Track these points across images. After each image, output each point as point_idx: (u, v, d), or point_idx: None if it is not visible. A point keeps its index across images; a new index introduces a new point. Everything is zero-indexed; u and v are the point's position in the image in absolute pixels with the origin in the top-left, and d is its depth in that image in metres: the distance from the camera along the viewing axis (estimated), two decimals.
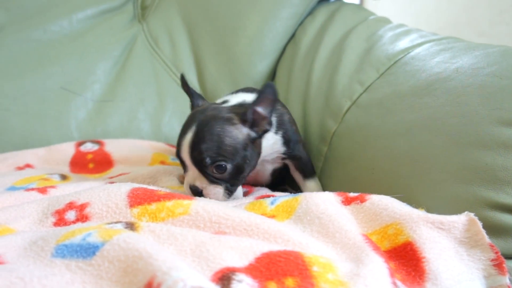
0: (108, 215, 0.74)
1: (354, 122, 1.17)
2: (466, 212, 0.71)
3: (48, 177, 1.12)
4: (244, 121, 0.96)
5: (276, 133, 1.07)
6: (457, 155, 0.89)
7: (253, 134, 0.97)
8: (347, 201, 0.79)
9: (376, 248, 0.66)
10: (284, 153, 1.10)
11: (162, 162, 1.32)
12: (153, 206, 0.73)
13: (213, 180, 0.95)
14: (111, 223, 0.68)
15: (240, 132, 0.95)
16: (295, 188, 1.20)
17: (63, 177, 1.15)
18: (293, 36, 1.58)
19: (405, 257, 0.67)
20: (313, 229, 0.72)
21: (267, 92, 0.96)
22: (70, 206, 0.76)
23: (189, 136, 0.94)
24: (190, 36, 1.59)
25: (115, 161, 1.32)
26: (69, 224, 0.74)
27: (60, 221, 0.75)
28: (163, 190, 0.80)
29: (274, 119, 1.04)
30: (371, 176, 1.03)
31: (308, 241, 0.66)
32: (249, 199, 0.91)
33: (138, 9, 1.65)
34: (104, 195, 0.76)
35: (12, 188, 1.00)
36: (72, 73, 1.43)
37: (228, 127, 0.94)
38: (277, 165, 1.15)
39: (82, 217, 0.75)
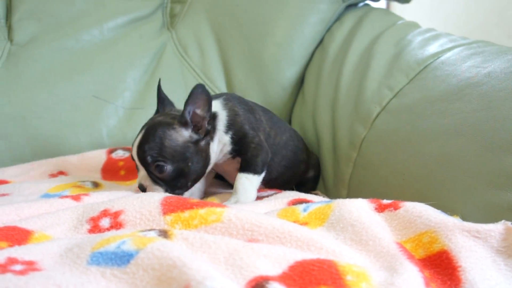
0: (142, 223, 0.75)
1: (383, 127, 1.16)
2: (503, 221, 0.70)
3: (81, 184, 1.14)
4: (184, 125, 1.02)
5: (226, 133, 1.10)
6: (491, 161, 0.87)
7: (195, 136, 1.03)
8: (380, 208, 0.79)
9: (410, 256, 0.65)
10: (231, 152, 1.11)
11: None
12: (186, 214, 0.73)
13: (155, 180, 1.02)
14: (145, 230, 0.68)
15: (180, 135, 1.02)
16: (328, 194, 1.20)
17: (95, 184, 1.17)
18: (321, 42, 1.58)
19: (441, 266, 0.66)
20: (346, 237, 0.71)
21: (198, 93, 1.01)
22: (105, 213, 0.77)
23: (138, 139, 1.03)
24: (219, 43, 1.60)
25: None
26: (103, 231, 0.75)
27: (95, 228, 0.76)
28: (195, 199, 0.80)
29: (225, 120, 1.09)
30: (402, 182, 1.03)
31: (341, 249, 0.65)
32: (281, 205, 0.91)
33: (167, 17, 1.66)
34: (137, 203, 0.77)
35: (47, 196, 1.02)
36: (103, 81, 1.45)
37: (168, 131, 1.01)
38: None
39: (116, 225, 0.75)
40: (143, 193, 0.82)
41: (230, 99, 1.15)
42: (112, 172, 1.27)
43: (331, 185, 1.31)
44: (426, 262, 0.67)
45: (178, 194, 1.02)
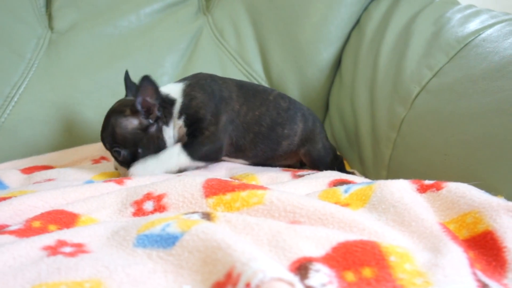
0: (185, 205, 0.76)
1: (424, 107, 1.14)
2: None
3: None
4: (135, 113, 1.10)
5: (179, 118, 1.16)
6: None
7: (145, 122, 1.11)
8: (423, 189, 0.78)
9: (454, 237, 0.64)
10: (187, 134, 1.16)
11: None
12: (228, 196, 0.74)
13: (120, 163, 1.14)
14: (188, 213, 0.69)
15: (130, 123, 1.11)
16: (367, 176, 1.19)
17: None
18: (358, 22, 1.57)
19: (485, 247, 0.65)
20: (388, 218, 0.71)
21: (145, 84, 1.08)
22: (148, 196, 0.79)
23: (102, 124, 1.13)
24: (255, 26, 1.60)
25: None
26: (147, 214, 0.76)
27: (139, 211, 0.77)
28: (236, 181, 0.81)
29: (179, 106, 1.15)
30: (444, 162, 1.01)
31: (384, 230, 0.65)
32: (322, 186, 0.91)
33: (203, 1, 1.67)
34: (180, 186, 0.78)
35: (90, 181, 1.04)
36: (142, 66, 1.47)
37: (119, 119, 1.10)
38: None
39: (160, 208, 0.77)
40: (185, 176, 0.83)
41: (193, 84, 1.19)
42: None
43: (370, 166, 1.30)
44: (470, 243, 0.66)
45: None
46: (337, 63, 1.57)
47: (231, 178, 1.06)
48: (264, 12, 1.59)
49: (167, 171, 1.11)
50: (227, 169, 1.17)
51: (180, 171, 1.12)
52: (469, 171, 0.95)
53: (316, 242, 0.59)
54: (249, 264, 0.50)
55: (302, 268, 0.55)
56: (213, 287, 0.52)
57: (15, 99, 1.40)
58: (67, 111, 1.41)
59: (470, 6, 1.33)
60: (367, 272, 0.54)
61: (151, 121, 1.11)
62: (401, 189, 0.76)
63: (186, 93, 1.16)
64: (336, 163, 1.30)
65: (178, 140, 1.17)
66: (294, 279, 0.48)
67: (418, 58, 1.23)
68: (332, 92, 1.58)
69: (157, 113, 1.12)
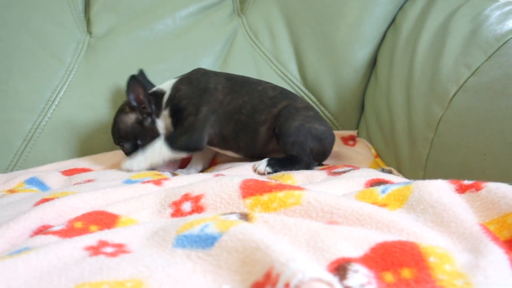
0: (222, 206, 0.76)
1: (462, 107, 1.13)
2: None
3: (161, 173, 1.18)
4: (133, 109, 1.26)
5: (165, 108, 1.27)
6: None
7: (140, 117, 1.26)
8: (461, 189, 0.77)
9: (495, 238, 0.63)
10: (172, 123, 1.27)
11: None
12: (265, 197, 0.74)
13: (127, 154, 1.29)
14: (226, 214, 0.70)
15: (129, 118, 1.26)
16: (404, 176, 1.18)
17: (173, 174, 1.21)
18: (393, 21, 1.55)
19: None
20: (426, 219, 0.70)
21: (131, 83, 1.22)
22: (186, 197, 0.80)
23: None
24: (289, 27, 1.60)
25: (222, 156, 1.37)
26: (185, 215, 0.77)
27: (177, 212, 0.78)
28: (273, 182, 0.81)
29: (166, 98, 1.27)
30: (483, 162, 1.00)
31: (422, 231, 0.64)
32: (359, 187, 0.90)
33: (237, 3, 1.68)
34: (217, 187, 0.79)
35: (129, 181, 1.06)
36: (178, 69, 1.47)
37: (121, 115, 1.28)
38: None
39: (198, 208, 0.78)
40: (222, 176, 0.84)
41: (184, 78, 1.29)
42: (189, 160, 1.30)
43: (407, 166, 1.29)
44: None
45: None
46: (373, 63, 1.56)
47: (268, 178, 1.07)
48: (299, 13, 1.59)
49: (153, 164, 1.23)
50: None
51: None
52: (509, 170, 0.93)
53: (354, 243, 0.59)
54: (288, 264, 0.50)
55: (340, 268, 0.54)
56: (252, 287, 0.52)
57: (56, 102, 1.43)
58: (105, 114, 1.44)
59: (509, 3, 1.30)
60: (406, 273, 0.54)
61: (145, 115, 1.26)
62: (439, 189, 0.75)
63: (174, 86, 1.28)
64: (301, 155, 1.21)
65: (167, 130, 1.29)
66: (333, 279, 0.48)
67: (455, 57, 1.21)
68: (367, 92, 1.57)
69: (148, 108, 1.25)
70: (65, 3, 1.55)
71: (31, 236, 0.73)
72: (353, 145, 1.49)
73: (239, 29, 1.63)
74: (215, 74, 1.30)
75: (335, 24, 1.54)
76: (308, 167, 1.20)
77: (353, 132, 1.53)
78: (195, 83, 1.26)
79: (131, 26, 1.55)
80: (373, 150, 1.42)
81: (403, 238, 0.62)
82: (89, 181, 1.13)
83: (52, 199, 0.84)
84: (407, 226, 0.65)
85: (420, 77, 1.29)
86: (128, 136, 1.27)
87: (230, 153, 1.30)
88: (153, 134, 1.27)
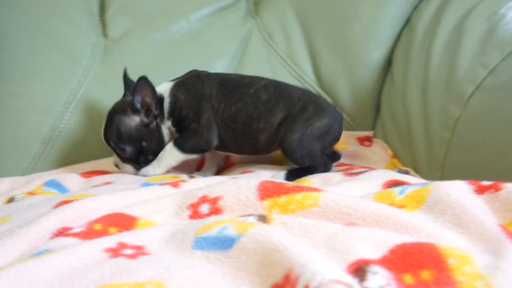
0: (240, 208, 0.76)
1: (479, 107, 1.12)
2: None
3: (177, 175, 1.19)
4: (135, 111, 1.21)
5: (168, 118, 1.25)
6: None
7: (146, 120, 1.21)
8: (480, 190, 0.76)
9: None
10: (177, 131, 1.26)
11: None
12: (283, 199, 0.74)
13: (124, 159, 1.24)
14: (244, 216, 0.70)
15: (132, 121, 1.21)
16: (419, 175, 1.17)
17: (191, 176, 1.21)
18: (408, 21, 1.54)
19: None
20: (445, 220, 0.70)
21: (141, 84, 1.18)
22: (204, 199, 0.80)
23: (103, 125, 1.23)
24: (304, 28, 1.60)
25: (234, 156, 1.37)
26: (203, 217, 0.77)
27: (195, 214, 0.78)
28: (290, 183, 0.81)
29: (167, 106, 1.24)
30: (502, 163, 0.99)
31: (441, 232, 0.64)
32: (376, 188, 0.90)
33: (251, 5, 1.69)
34: (235, 189, 0.79)
35: (146, 184, 1.07)
36: None
37: (122, 117, 1.21)
38: None
39: (215, 210, 0.78)
40: (239, 178, 0.84)
41: (180, 83, 1.27)
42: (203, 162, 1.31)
43: (424, 167, 1.28)
44: None
45: (143, 166, 1.25)
46: (388, 63, 1.55)
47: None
48: (313, 13, 1.59)
49: (168, 167, 1.23)
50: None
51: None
52: None
53: (373, 244, 0.59)
54: (307, 266, 0.50)
55: (359, 270, 0.54)
56: None
57: (73, 105, 1.45)
58: None
59: None
60: (425, 274, 0.54)
61: (151, 118, 1.22)
62: (458, 190, 0.75)
63: (173, 94, 1.25)
64: (315, 163, 1.20)
65: (171, 135, 1.27)
66: (353, 281, 0.48)
67: (471, 57, 1.20)
68: (383, 92, 1.56)
69: (155, 111, 1.22)
70: (81, 7, 1.56)
71: (51, 238, 0.73)
72: (369, 145, 1.49)
73: (253, 31, 1.63)
74: (209, 78, 1.27)
75: (350, 24, 1.54)
76: (325, 168, 1.20)
77: (369, 133, 1.53)
78: (192, 90, 1.24)
79: (146, 28, 1.56)
80: (389, 151, 1.41)
81: (422, 239, 0.62)
82: (107, 183, 1.14)
83: (71, 201, 0.85)
84: (426, 228, 0.64)
85: (436, 77, 1.28)
86: (131, 139, 1.22)
87: (233, 155, 1.32)
88: (158, 137, 1.25)
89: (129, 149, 1.22)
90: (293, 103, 1.21)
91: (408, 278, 0.54)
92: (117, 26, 1.56)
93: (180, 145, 1.22)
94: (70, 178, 1.22)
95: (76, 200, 0.84)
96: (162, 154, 1.23)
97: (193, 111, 1.22)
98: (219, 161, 1.37)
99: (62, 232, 0.74)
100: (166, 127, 1.26)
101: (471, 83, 1.16)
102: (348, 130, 1.56)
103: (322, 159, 1.21)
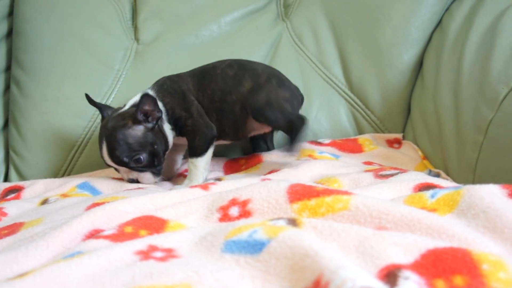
0: (269, 211, 0.76)
1: None
2: None
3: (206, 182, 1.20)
4: (137, 122, 1.21)
5: (169, 122, 1.28)
6: None
7: (149, 125, 1.22)
8: None
9: None
10: (172, 129, 1.29)
11: (310, 155, 1.34)
12: (313, 202, 0.74)
13: (140, 170, 1.23)
14: (274, 219, 0.70)
15: (138, 130, 1.21)
16: (452, 180, 1.16)
17: (218, 180, 1.22)
18: (439, 22, 1.53)
19: None
20: (478, 224, 0.68)
21: (145, 99, 1.19)
22: (233, 202, 0.80)
23: (104, 149, 1.21)
24: (334, 31, 1.60)
25: (263, 156, 1.39)
26: (233, 220, 0.77)
27: (225, 217, 0.79)
28: (320, 186, 0.81)
29: (163, 109, 1.27)
30: None
31: (474, 237, 0.63)
32: (407, 191, 0.89)
33: (281, 8, 1.69)
34: (264, 191, 0.79)
35: (176, 187, 1.08)
36: None
37: (126, 131, 1.20)
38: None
39: (245, 213, 0.78)
40: (268, 181, 0.84)
41: (160, 89, 1.31)
42: (235, 167, 1.31)
43: (455, 170, 1.27)
44: None
45: (159, 170, 1.27)
46: (419, 66, 1.54)
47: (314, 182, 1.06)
48: (343, 16, 1.59)
49: (204, 177, 1.25)
50: (309, 173, 1.17)
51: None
52: None
53: (404, 249, 0.58)
54: (338, 272, 0.49)
55: (390, 275, 0.54)
56: None
57: None
58: None
59: None
60: (458, 280, 0.53)
61: (154, 122, 1.23)
62: (491, 194, 0.74)
63: (162, 98, 1.29)
64: (291, 117, 1.23)
65: (174, 135, 1.31)
66: (384, 287, 0.48)
67: (505, 58, 1.18)
68: (413, 95, 1.55)
69: (157, 114, 1.23)
70: (114, 12, 1.59)
71: (83, 240, 0.75)
72: (399, 148, 1.47)
73: (283, 34, 1.63)
74: (178, 76, 1.35)
75: (380, 26, 1.53)
76: (303, 122, 1.20)
77: (398, 135, 1.52)
78: (172, 91, 1.30)
79: (177, 32, 1.58)
80: (420, 152, 1.40)
81: (455, 244, 0.61)
82: (139, 188, 1.15)
83: (102, 203, 0.86)
84: (458, 232, 0.64)
85: (469, 79, 1.26)
86: (144, 146, 1.22)
87: (222, 143, 1.36)
88: (163, 136, 1.26)
89: (144, 156, 1.22)
90: (258, 73, 1.30)
91: (441, 284, 0.53)
92: (148, 30, 1.59)
93: (195, 153, 1.25)
94: (103, 181, 1.24)
95: (108, 202, 0.85)
96: (192, 173, 1.26)
97: (183, 109, 1.27)
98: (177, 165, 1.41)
99: (94, 234, 0.75)
100: (166, 129, 1.28)
101: (505, 85, 1.14)
102: (377, 132, 1.55)
103: (296, 113, 1.26)
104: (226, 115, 1.29)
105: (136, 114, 1.20)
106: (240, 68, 1.31)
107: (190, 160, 1.26)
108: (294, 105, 1.31)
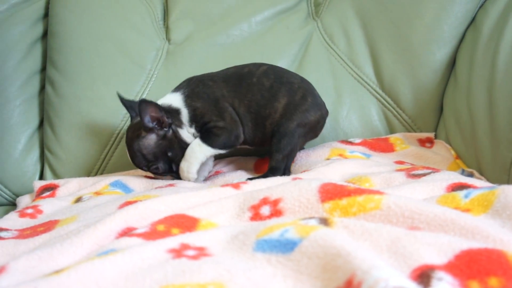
0: (301, 210, 0.77)
1: None
2: None
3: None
4: (149, 130, 1.22)
5: (191, 126, 1.28)
6: None
7: (161, 132, 1.24)
8: None
9: None
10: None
11: (341, 155, 1.34)
12: (344, 201, 0.74)
13: (161, 175, 1.29)
14: (305, 218, 0.70)
15: (150, 140, 1.23)
16: (486, 180, 1.14)
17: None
18: (473, 20, 1.50)
19: None
20: None
21: (143, 106, 1.18)
22: (264, 201, 0.80)
23: (128, 155, 1.27)
24: (365, 30, 1.58)
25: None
26: (264, 219, 0.78)
27: (256, 216, 0.79)
28: (352, 185, 0.80)
29: (187, 116, 1.27)
30: None
31: (509, 238, 0.62)
32: (440, 191, 0.88)
33: (312, 7, 1.68)
34: (295, 191, 0.79)
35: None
36: None
37: (140, 143, 1.24)
38: None
39: (276, 212, 0.78)
40: (300, 180, 0.84)
41: (189, 93, 1.29)
42: (266, 167, 1.31)
43: (489, 170, 1.24)
44: None
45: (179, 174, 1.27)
46: (452, 64, 1.52)
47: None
48: (374, 15, 1.57)
49: (200, 162, 1.25)
50: (340, 173, 1.17)
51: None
52: None
53: (438, 249, 0.58)
54: (370, 272, 0.49)
55: (423, 276, 0.54)
56: None
57: None
58: None
59: None
60: (493, 282, 0.52)
61: (166, 128, 1.24)
62: None
63: (188, 104, 1.28)
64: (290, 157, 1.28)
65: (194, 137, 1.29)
66: None
67: None
68: (446, 93, 1.52)
69: (167, 120, 1.23)
70: (146, 12, 1.61)
71: (117, 237, 0.76)
72: (431, 147, 1.45)
73: (314, 33, 1.62)
74: (211, 79, 1.32)
75: (412, 24, 1.51)
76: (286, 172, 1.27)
77: (430, 134, 1.50)
78: (204, 96, 1.29)
79: (208, 32, 1.59)
80: (453, 151, 1.38)
81: (489, 245, 0.60)
82: (170, 185, 1.16)
83: (135, 202, 0.87)
84: (493, 233, 0.63)
85: (504, 77, 1.24)
86: (157, 156, 1.24)
87: (244, 147, 1.36)
88: (178, 142, 1.27)
89: (160, 165, 1.25)
90: (294, 89, 1.29)
91: (475, 286, 0.52)
92: (179, 30, 1.60)
93: (209, 142, 1.25)
94: (135, 179, 1.26)
95: (140, 201, 0.86)
96: (189, 153, 1.25)
97: (215, 115, 1.26)
98: (209, 167, 1.39)
99: (127, 232, 0.76)
100: (190, 133, 1.28)
101: None
102: (409, 131, 1.53)
103: (289, 162, 1.28)
104: (259, 128, 1.29)
105: (144, 123, 1.21)
106: (276, 80, 1.30)
107: (199, 141, 1.26)
108: (315, 131, 1.35)
